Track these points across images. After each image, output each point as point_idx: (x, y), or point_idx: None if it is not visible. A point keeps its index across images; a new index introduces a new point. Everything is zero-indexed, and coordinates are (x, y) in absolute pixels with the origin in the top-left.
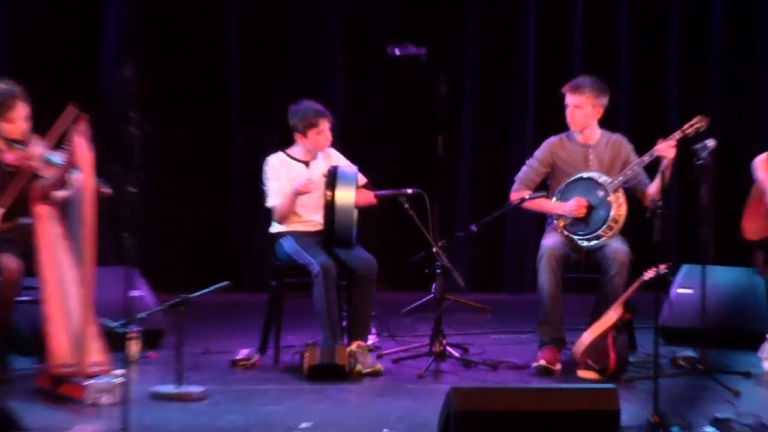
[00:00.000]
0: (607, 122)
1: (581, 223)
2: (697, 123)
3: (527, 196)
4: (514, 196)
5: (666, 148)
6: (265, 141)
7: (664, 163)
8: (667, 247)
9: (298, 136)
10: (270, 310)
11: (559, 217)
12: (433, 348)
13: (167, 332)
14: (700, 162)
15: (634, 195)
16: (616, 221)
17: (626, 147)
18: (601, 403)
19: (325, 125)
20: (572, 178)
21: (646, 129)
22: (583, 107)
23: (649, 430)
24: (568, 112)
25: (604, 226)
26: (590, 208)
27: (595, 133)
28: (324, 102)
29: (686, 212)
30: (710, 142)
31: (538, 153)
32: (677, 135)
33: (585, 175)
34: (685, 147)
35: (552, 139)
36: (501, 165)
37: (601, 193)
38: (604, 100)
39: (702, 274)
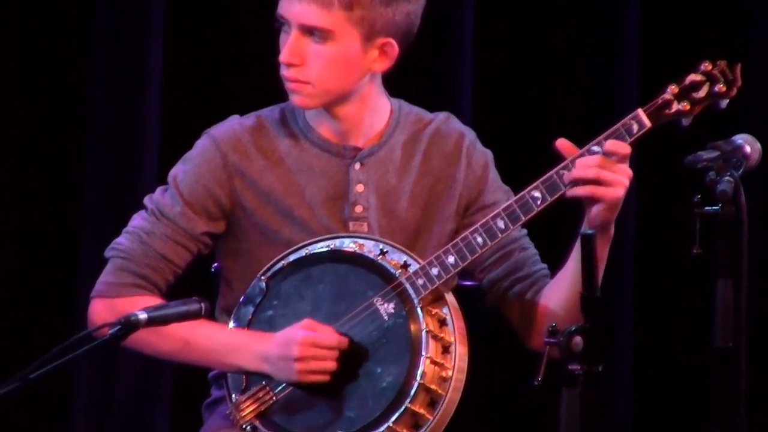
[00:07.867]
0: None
1: (310, 411)
2: (706, 71)
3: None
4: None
5: (590, 165)
6: None
7: (593, 211)
8: None
9: None
10: None
11: (244, 390)
12: None
13: None
14: (720, 192)
15: (496, 312)
16: (433, 395)
17: (476, 167)
18: None
19: None
20: (288, 260)
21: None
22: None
23: None
24: None
25: (395, 416)
26: (353, 359)
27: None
28: None
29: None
30: (747, 146)
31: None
32: (640, 116)
33: (322, 246)
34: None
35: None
36: None
37: (388, 308)
38: None
39: None
